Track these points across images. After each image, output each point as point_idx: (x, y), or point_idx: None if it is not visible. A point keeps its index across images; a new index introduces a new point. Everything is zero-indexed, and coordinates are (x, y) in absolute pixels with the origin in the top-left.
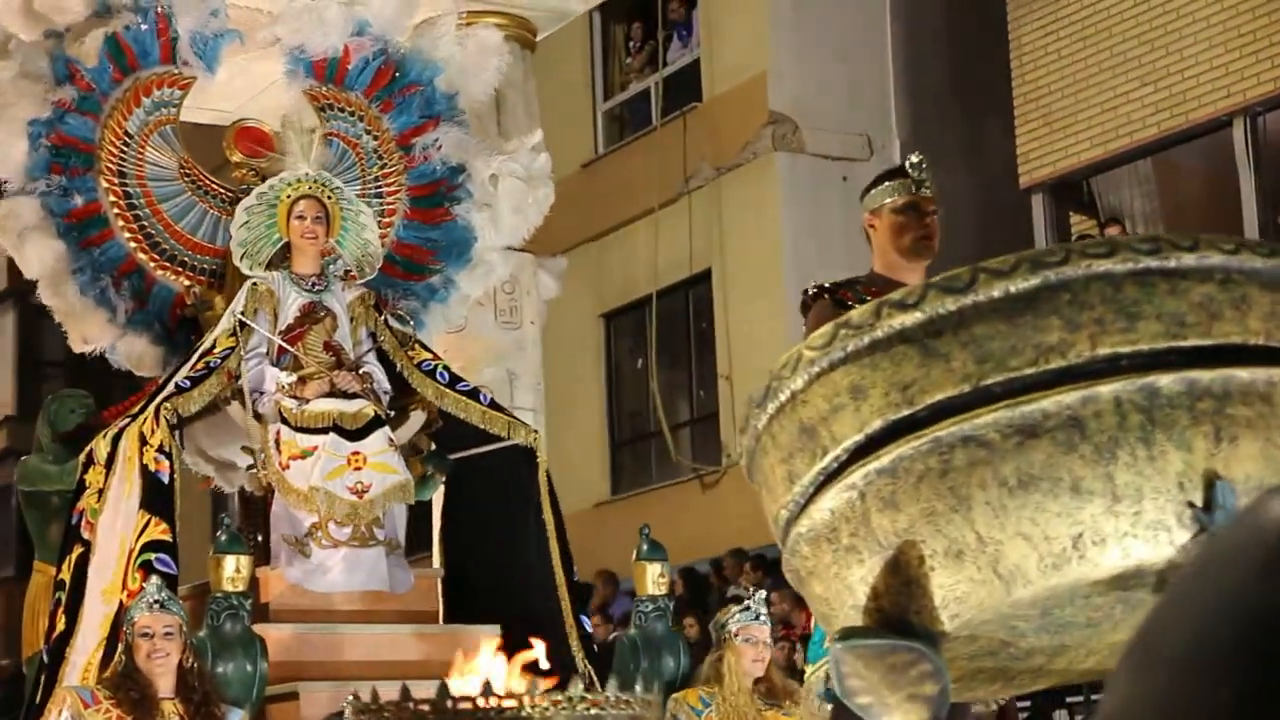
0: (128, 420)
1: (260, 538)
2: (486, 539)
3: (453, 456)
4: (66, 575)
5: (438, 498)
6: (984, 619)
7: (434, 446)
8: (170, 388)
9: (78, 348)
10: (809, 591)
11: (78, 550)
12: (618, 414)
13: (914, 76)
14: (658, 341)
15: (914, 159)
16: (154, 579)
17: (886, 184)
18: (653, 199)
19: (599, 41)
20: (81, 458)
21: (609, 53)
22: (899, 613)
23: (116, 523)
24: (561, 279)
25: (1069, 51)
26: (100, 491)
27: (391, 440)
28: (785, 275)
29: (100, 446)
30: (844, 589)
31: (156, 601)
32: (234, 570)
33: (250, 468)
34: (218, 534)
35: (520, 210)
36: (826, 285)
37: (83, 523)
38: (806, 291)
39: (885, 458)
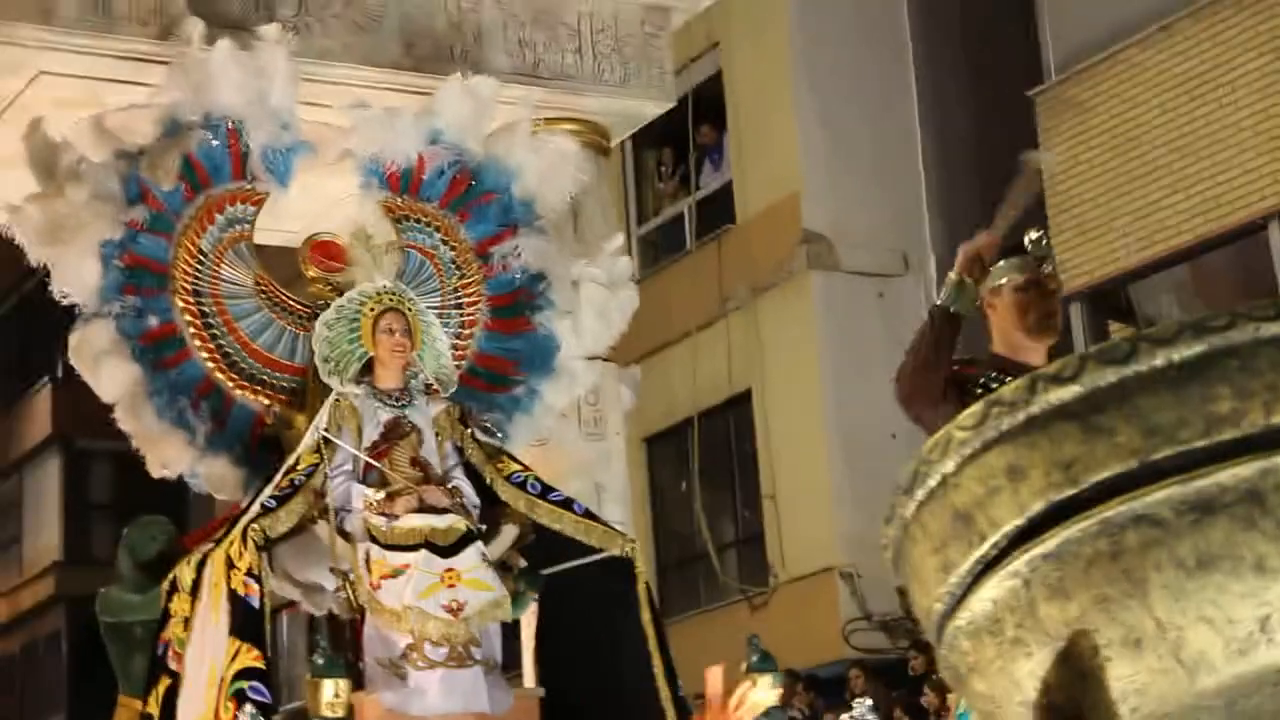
0: (212, 545)
1: (353, 661)
2: (585, 656)
3: (546, 571)
4: (155, 709)
5: (529, 615)
6: (1165, 712)
7: (523, 563)
8: (256, 508)
9: (156, 472)
10: (970, 689)
11: (165, 682)
12: (662, 537)
13: (947, 189)
14: (700, 463)
15: (1034, 234)
16: (248, 708)
17: (1006, 262)
18: (690, 321)
19: (631, 167)
20: (165, 585)
21: (641, 178)
22: (1073, 708)
23: (205, 651)
24: (638, 389)
25: (1100, 161)
26: (186, 620)
27: (485, 555)
28: (824, 393)
29: (184, 573)
30: (1011, 685)
31: None
32: (333, 695)
33: (339, 589)
34: (313, 657)
35: (603, 316)
36: None
37: (169, 653)
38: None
39: (1050, 542)
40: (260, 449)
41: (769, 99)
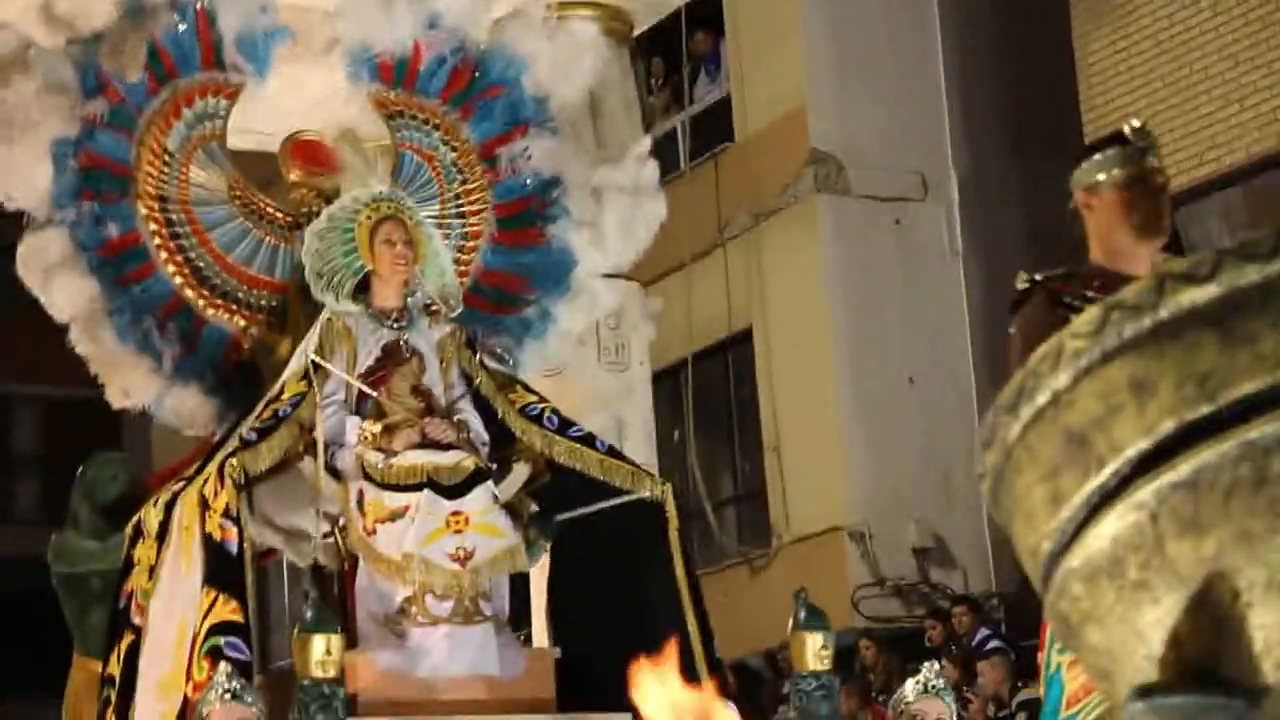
0: (182, 484)
1: (343, 617)
2: (606, 613)
3: (565, 516)
4: (115, 669)
5: (539, 566)
6: None
7: (535, 507)
8: (234, 441)
9: (118, 402)
10: (1083, 641)
11: (128, 638)
12: None
13: (971, 105)
14: (695, 410)
15: (1135, 124)
16: (223, 666)
17: (1104, 155)
18: (684, 251)
19: None
20: (128, 530)
21: None
22: (1208, 662)
23: (174, 604)
24: (658, 322)
25: (1144, 69)
26: (152, 569)
27: (496, 497)
28: (834, 333)
29: (150, 516)
30: (1133, 635)
31: (228, 692)
32: (324, 653)
33: (326, 536)
34: (304, 610)
35: (627, 228)
36: (1038, 278)
37: (132, 606)
38: (1014, 289)
39: (1182, 468)
40: (235, 377)
41: (773, 1)
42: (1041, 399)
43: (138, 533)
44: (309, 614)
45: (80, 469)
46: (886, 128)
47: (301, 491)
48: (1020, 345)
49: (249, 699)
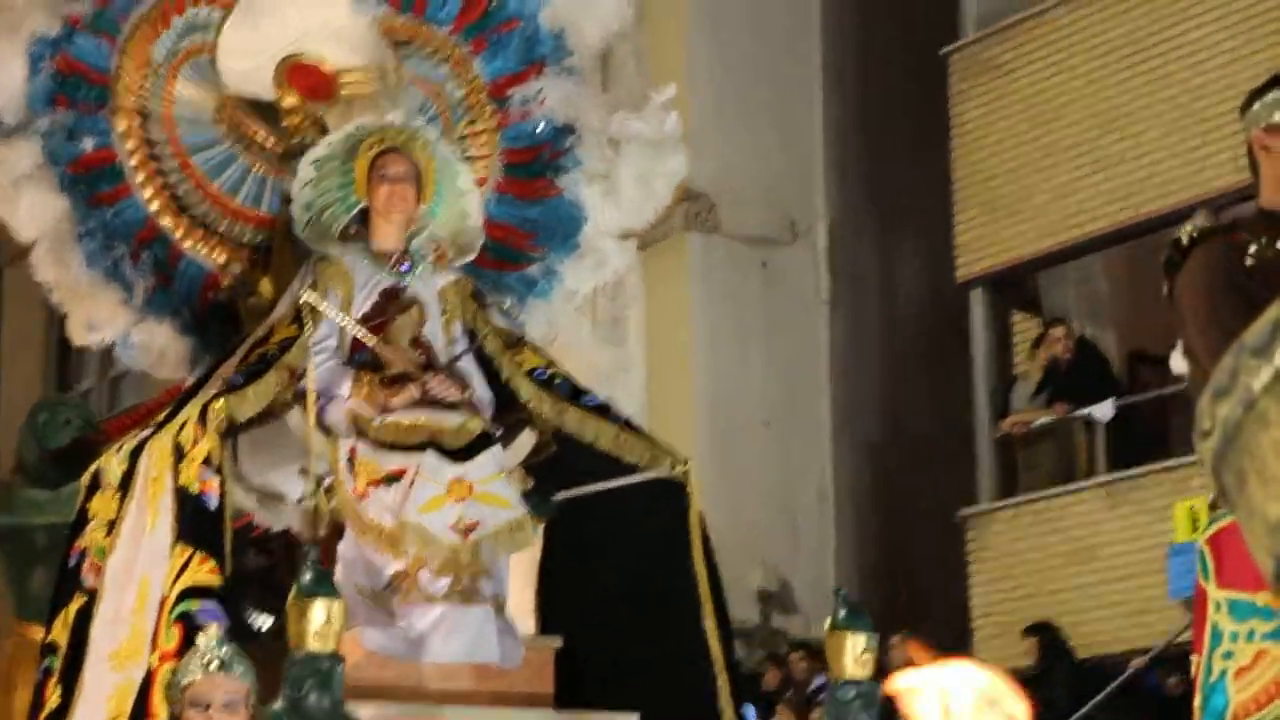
0: (150, 430)
1: None
2: (608, 602)
3: (569, 493)
4: (60, 635)
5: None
6: None
7: (529, 481)
8: (216, 385)
9: (79, 338)
10: None
11: (77, 601)
12: None
13: (845, 153)
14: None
15: None
16: (214, 628)
17: None
18: None
19: None
20: (84, 480)
21: None
22: None
23: (135, 564)
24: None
25: (1017, 132)
26: (111, 524)
27: (503, 466)
28: (695, 370)
29: (111, 465)
30: None
31: (215, 660)
32: (323, 621)
33: (303, 499)
34: (301, 572)
35: (645, 183)
36: (1206, 226)
37: (84, 565)
38: (1178, 241)
39: None
40: (211, 318)
41: (656, 28)
42: None
43: (95, 483)
44: (307, 576)
45: (30, 410)
46: (760, 171)
47: (282, 447)
48: (1203, 290)
49: (239, 670)
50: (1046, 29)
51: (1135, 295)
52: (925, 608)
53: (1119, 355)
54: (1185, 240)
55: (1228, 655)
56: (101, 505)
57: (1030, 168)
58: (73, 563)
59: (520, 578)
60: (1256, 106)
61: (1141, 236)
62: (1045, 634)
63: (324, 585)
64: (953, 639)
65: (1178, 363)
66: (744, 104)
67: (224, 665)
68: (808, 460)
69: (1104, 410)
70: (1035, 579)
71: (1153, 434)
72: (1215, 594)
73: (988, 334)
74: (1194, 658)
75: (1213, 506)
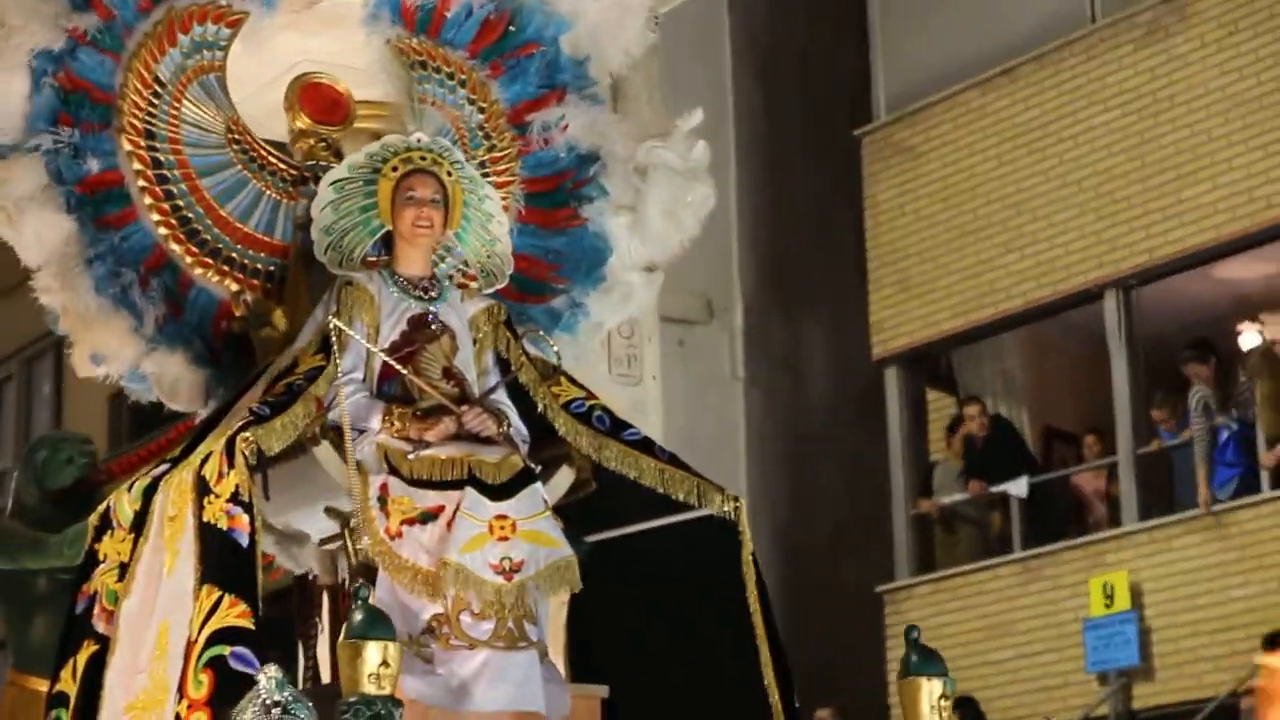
0: (165, 466)
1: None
2: (657, 649)
3: (611, 534)
4: (70, 686)
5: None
6: None
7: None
8: (240, 416)
9: (84, 370)
10: None
11: (88, 649)
12: None
13: (760, 233)
14: None
15: None
16: (271, 670)
17: None
18: None
19: None
20: (92, 521)
21: None
22: None
23: (153, 610)
24: None
25: (929, 213)
26: (124, 566)
27: (546, 501)
28: None
29: (122, 503)
30: None
31: (276, 706)
32: (379, 663)
33: (329, 541)
34: (351, 612)
35: (672, 215)
36: None
37: (95, 610)
38: None
39: None
40: (225, 349)
41: None
42: None
43: (105, 523)
44: (358, 616)
45: (29, 447)
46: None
47: (304, 484)
48: None
49: (302, 715)
50: (958, 111)
51: (1048, 373)
52: (846, 683)
53: (1033, 432)
54: None
55: None
56: (113, 547)
57: (943, 247)
58: (81, 608)
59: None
60: None
61: (1053, 315)
62: (966, 708)
63: (378, 626)
64: (874, 714)
65: None
66: None
67: (286, 710)
68: None
69: (1019, 487)
70: (953, 654)
71: (1067, 510)
72: None
73: (903, 411)
74: None
75: None
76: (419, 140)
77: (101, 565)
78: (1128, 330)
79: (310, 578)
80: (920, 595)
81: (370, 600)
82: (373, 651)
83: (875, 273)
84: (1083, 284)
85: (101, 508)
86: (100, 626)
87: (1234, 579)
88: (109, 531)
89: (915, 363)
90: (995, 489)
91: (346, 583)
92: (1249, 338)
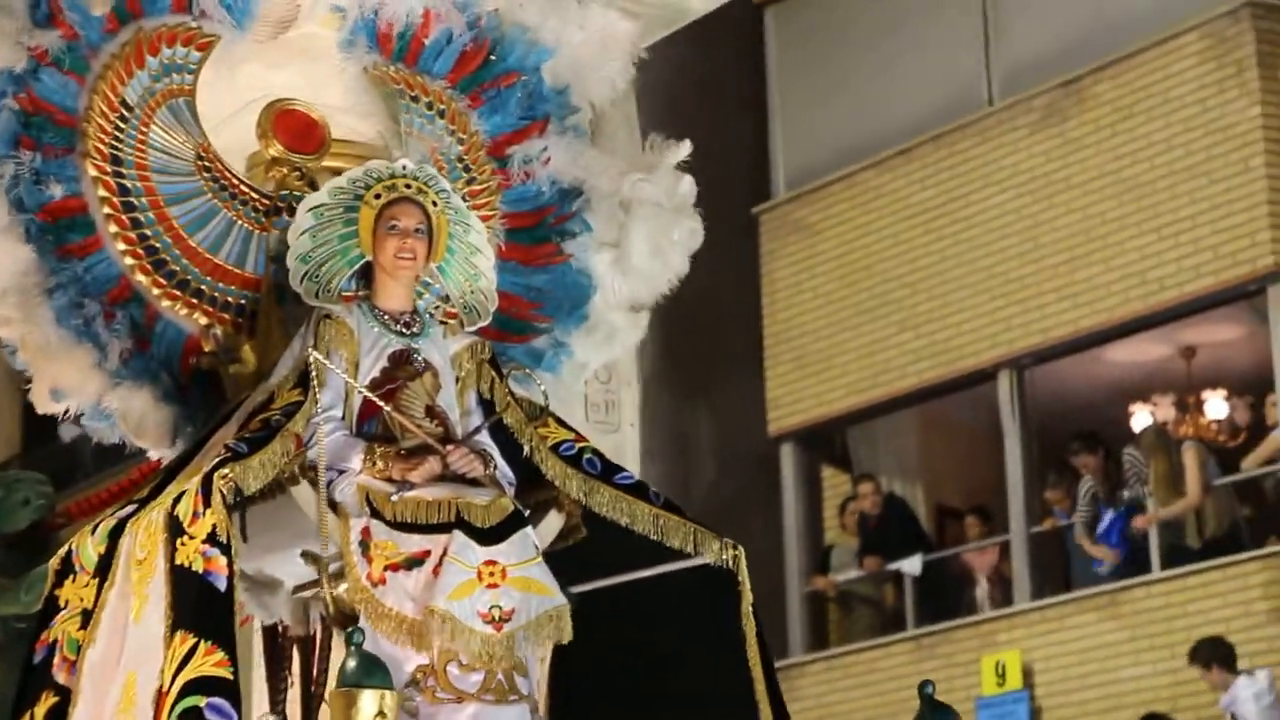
0: (132, 507)
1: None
2: (648, 703)
3: (595, 584)
4: None
5: None
6: None
7: None
8: (215, 454)
9: (43, 405)
10: None
11: (47, 700)
12: None
13: (656, 307)
14: None
15: None
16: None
17: None
18: None
19: None
20: (52, 564)
21: None
22: None
23: (119, 659)
24: None
25: (825, 290)
26: (87, 613)
27: (538, 547)
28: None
29: (85, 546)
30: None
31: None
32: (375, 713)
33: (304, 588)
34: (345, 659)
35: (659, 252)
36: None
37: (54, 659)
38: None
39: None
40: (194, 385)
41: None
42: None
43: (67, 567)
44: (353, 664)
45: None
46: None
47: (278, 528)
48: None
49: None
50: (855, 190)
51: (941, 451)
52: None
53: (926, 510)
54: None
55: None
56: (74, 593)
57: (839, 325)
58: (39, 658)
59: None
60: None
61: (947, 394)
62: None
63: (374, 673)
64: None
65: None
66: None
67: None
68: None
69: (912, 565)
70: None
71: (959, 588)
72: None
73: (798, 488)
74: None
75: None
76: (404, 167)
77: (63, 612)
78: (1021, 410)
79: (280, 628)
80: (814, 673)
81: (364, 645)
82: (368, 701)
83: (772, 349)
84: (976, 364)
85: (63, 551)
86: (61, 677)
87: (1125, 659)
88: (71, 576)
89: (810, 440)
90: (890, 566)
91: (319, 634)
92: (1141, 418)
